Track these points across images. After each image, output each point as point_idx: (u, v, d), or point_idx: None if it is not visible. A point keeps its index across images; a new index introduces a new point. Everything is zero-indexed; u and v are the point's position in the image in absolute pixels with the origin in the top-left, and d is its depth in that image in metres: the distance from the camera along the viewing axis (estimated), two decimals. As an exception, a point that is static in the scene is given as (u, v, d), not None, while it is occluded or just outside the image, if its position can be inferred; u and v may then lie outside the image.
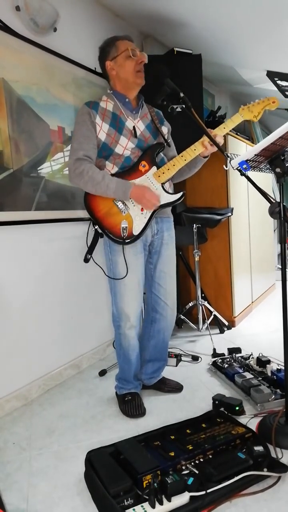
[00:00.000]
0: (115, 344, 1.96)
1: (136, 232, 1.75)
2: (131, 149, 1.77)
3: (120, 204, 1.74)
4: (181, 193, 1.80)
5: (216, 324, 3.00)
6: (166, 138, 1.87)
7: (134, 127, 1.79)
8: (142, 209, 1.76)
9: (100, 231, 1.77)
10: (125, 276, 1.78)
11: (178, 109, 1.70)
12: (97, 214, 1.75)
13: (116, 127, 1.76)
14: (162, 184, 1.78)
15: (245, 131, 4.24)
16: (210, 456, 1.39)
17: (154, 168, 1.77)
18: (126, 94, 1.80)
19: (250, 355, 2.34)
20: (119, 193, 1.69)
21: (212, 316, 2.97)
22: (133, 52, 1.75)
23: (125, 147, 1.76)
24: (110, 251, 1.81)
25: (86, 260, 1.81)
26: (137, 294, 1.85)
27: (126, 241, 1.74)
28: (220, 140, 1.74)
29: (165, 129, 1.92)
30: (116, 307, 1.86)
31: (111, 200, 1.74)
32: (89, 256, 1.82)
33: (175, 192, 1.83)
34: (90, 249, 1.83)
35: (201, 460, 1.37)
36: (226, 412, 1.73)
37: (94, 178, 1.69)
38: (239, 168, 1.49)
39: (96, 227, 1.76)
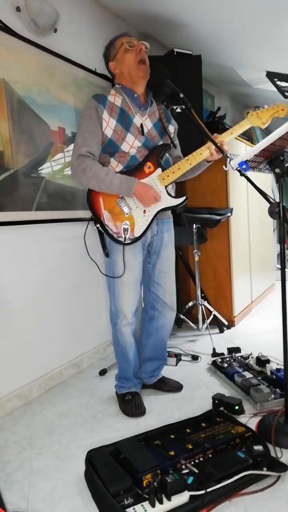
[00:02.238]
0: (113, 342, 1.97)
1: (137, 234, 1.75)
2: (137, 147, 1.75)
3: (122, 205, 1.74)
4: (184, 197, 1.79)
5: (216, 323, 3.00)
6: (172, 137, 1.85)
7: (141, 124, 1.77)
8: (144, 211, 1.75)
9: (101, 230, 1.77)
10: (122, 274, 1.79)
11: (178, 110, 1.70)
12: (99, 212, 1.75)
13: (123, 123, 1.74)
14: (166, 186, 1.77)
15: (244, 132, 4.25)
16: (210, 456, 1.40)
17: (159, 170, 1.76)
18: (133, 88, 1.78)
19: (250, 354, 2.35)
20: (123, 189, 1.68)
21: (211, 316, 2.97)
22: (129, 44, 1.73)
23: (131, 145, 1.74)
24: (110, 249, 1.81)
25: (107, 254, 1.82)
26: (135, 292, 1.86)
27: (127, 242, 1.74)
28: (225, 148, 1.71)
29: (172, 128, 1.90)
30: (114, 304, 1.87)
31: (114, 200, 1.74)
32: (106, 250, 1.83)
33: (176, 194, 1.83)
34: (103, 245, 1.83)
35: (201, 459, 1.38)
36: (226, 412, 1.74)
37: (98, 174, 1.68)
38: (238, 168, 1.49)
39: (97, 226, 1.76)
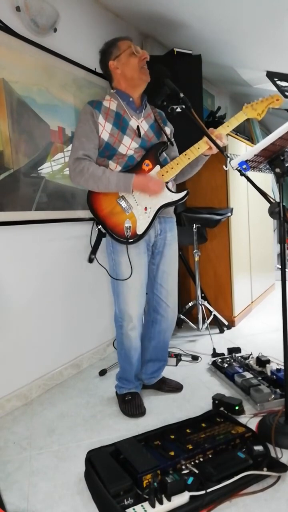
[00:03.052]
0: (117, 344, 1.96)
1: (139, 231, 1.75)
2: (134, 149, 1.76)
3: (123, 203, 1.73)
4: (185, 191, 1.79)
5: (216, 324, 3.00)
6: (169, 138, 1.87)
7: (138, 126, 1.78)
8: (145, 209, 1.75)
9: (103, 230, 1.76)
10: (129, 276, 1.77)
11: (178, 110, 1.70)
12: (100, 213, 1.74)
13: (119, 126, 1.75)
14: (166, 183, 1.77)
15: (244, 131, 4.25)
16: (210, 456, 1.40)
17: (157, 167, 1.76)
18: (131, 93, 1.79)
19: (250, 354, 2.35)
20: (121, 185, 1.68)
21: (212, 316, 2.97)
22: (136, 49, 1.76)
23: (128, 147, 1.75)
24: (113, 251, 1.81)
25: (90, 260, 1.80)
26: (140, 295, 1.85)
27: (130, 240, 1.74)
28: (224, 141, 1.73)
29: (168, 130, 1.91)
30: (119, 307, 1.86)
31: (114, 199, 1.74)
32: (93, 256, 1.81)
33: (177, 190, 1.83)
34: (94, 249, 1.82)
35: (201, 459, 1.38)
36: (226, 412, 1.73)
37: (95, 174, 1.69)
38: (238, 168, 1.49)
39: (99, 227, 1.76)
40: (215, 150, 1.76)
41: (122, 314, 1.85)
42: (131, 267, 1.76)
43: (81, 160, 1.71)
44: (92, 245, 1.84)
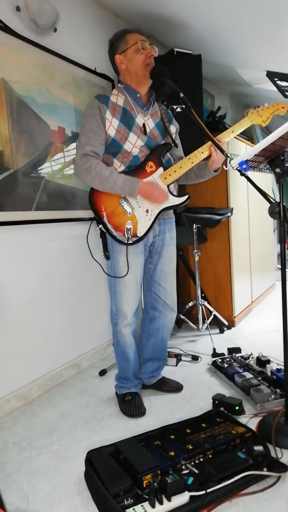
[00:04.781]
0: (113, 341, 1.97)
1: (140, 233, 1.75)
2: (139, 147, 1.75)
3: (125, 205, 1.73)
4: (187, 196, 1.79)
5: (216, 324, 3.00)
6: (173, 138, 1.86)
7: (144, 124, 1.77)
8: (147, 211, 1.75)
9: (104, 230, 1.76)
10: (125, 275, 1.78)
11: (178, 110, 1.70)
12: (102, 213, 1.74)
13: (126, 123, 1.74)
14: (168, 186, 1.77)
15: (245, 131, 4.24)
16: (210, 456, 1.40)
17: (160, 169, 1.76)
18: (137, 89, 1.77)
19: (250, 355, 2.34)
20: (126, 189, 1.68)
21: (212, 316, 2.97)
22: (142, 45, 1.73)
23: (134, 144, 1.74)
24: (112, 250, 1.81)
25: (107, 257, 1.82)
26: (135, 292, 1.86)
27: (130, 242, 1.74)
28: (223, 147, 1.70)
29: (173, 129, 1.90)
30: (115, 305, 1.87)
31: (116, 200, 1.73)
32: (107, 252, 1.83)
33: (178, 193, 1.83)
34: (105, 246, 1.83)
35: (201, 459, 1.37)
36: (226, 412, 1.73)
37: (102, 174, 1.67)
38: (239, 168, 1.49)
39: (100, 226, 1.76)
40: (219, 158, 1.74)
41: (118, 312, 1.86)
42: (128, 266, 1.77)
43: (89, 156, 1.69)
44: (90, 243, 1.84)
